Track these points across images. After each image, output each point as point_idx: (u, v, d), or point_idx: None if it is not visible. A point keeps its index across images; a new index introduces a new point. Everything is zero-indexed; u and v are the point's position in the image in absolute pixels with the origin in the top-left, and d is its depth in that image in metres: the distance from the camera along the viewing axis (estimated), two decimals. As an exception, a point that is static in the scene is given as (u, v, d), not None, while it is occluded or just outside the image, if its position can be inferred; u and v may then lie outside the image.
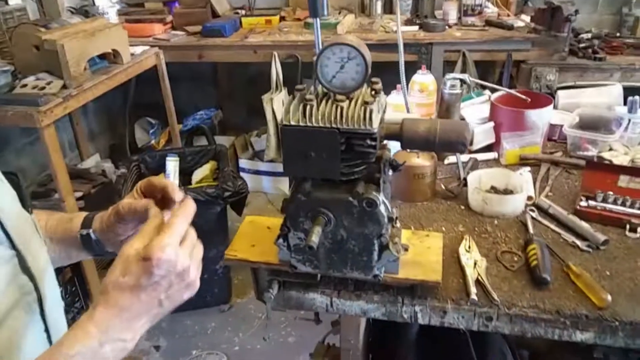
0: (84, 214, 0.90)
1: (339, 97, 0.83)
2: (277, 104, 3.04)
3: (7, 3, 2.54)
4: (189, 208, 0.70)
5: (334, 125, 0.81)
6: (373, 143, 0.82)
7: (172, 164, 2.55)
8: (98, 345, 0.61)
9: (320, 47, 0.92)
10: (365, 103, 0.81)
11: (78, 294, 2.34)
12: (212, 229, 2.33)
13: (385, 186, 0.91)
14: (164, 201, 0.80)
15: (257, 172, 3.46)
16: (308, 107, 0.82)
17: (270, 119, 3.09)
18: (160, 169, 2.57)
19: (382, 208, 0.87)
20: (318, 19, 0.96)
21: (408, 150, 1.26)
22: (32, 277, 0.73)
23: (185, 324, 2.46)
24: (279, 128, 3.12)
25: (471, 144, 0.82)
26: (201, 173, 2.61)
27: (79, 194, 2.57)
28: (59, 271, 0.82)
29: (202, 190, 2.23)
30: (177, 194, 0.76)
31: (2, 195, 0.74)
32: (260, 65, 3.29)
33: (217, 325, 2.47)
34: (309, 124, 0.82)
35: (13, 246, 0.70)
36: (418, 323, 1.04)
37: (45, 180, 2.71)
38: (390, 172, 0.94)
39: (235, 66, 3.67)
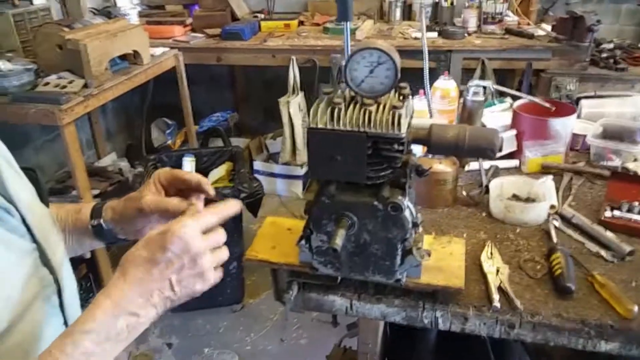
0: (91, 204, 0.92)
1: (366, 101, 0.84)
2: (294, 107, 3.05)
3: (31, 3, 2.59)
4: (230, 207, 0.72)
5: (361, 129, 0.82)
6: (401, 148, 0.82)
7: (189, 164, 2.57)
8: (112, 317, 0.62)
9: (349, 51, 0.92)
10: (394, 107, 0.81)
11: (92, 290, 2.36)
12: (227, 230, 2.32)
13: (410, 191, 0.90)
14: (188, 195, 0.82)
15: (272, 175, 3.48)
16: (336, 111, 0.82)
17: (286, 122, 3.10)
18: (177, 168, 2.59)
19: (407, 213, 0.87)
20: (349, 23, 0.96)
21: (430, 155, 1.26)
22: (52, 270, 0.74)
23: (197, 322, 2.47)
24: (294, 131, 3.15)
25: (500, 150, 0.82)
26: (217, 174, 2.63)
27: (96, 192, 2.60)
28: (74, 267, 0.83)
29: (218, 191, 2.24)
30: (211, 189, 0.79)
31: (22, 190, 0.75)
32: (276, 69, 3.31)
33: (229, 324, 2.48)
34: (336, 127, 0.82)
35: (34, 240, 0.72)
36: (437, 328, 1.03)
37: (64, 177, 2.75)
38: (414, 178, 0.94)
39: (252, 69, 3.70)
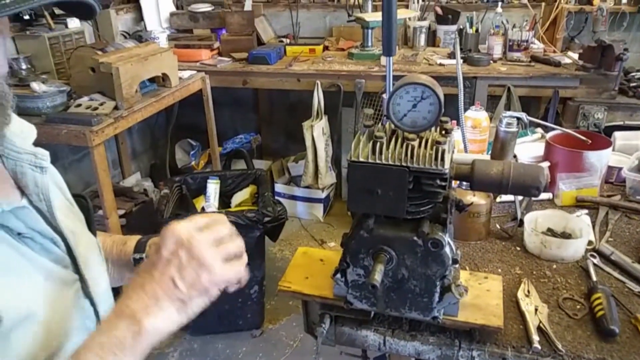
0: (137, 237, 0.92)
1: (408, 135, 0.83)
2: (317, 131, 3.07)
3: (66, 26, 2.66)
4: (218, 215, 0.71)
5: (404, 164, 0.81)
6: (443, 183, 0.81)
7: (213, 187, 2.58)
8: (114, 326, 0.61)
9: (392, 84, 0.92)
10: (437, 143, 0.80)
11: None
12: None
13: (449, 227, 0.89)
14: None
15: (293, 197, 3.48)
16: (378, 145, 0.81)
17: (310, 145, 3.11)
18: (201, 190, 2.60)
19: (447, 249, 0.85)
20: (391, 58, 0.96)
21: (463, 187, 1.25)
22: (92, 302, 0.74)
23: (217, 347, 2.45)
24: (317, 155, 3.15)
25: (545, 188, 0.80)
26: (241, 197, 2.63)
27: (121, 212, 2.62)
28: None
29: (242, 214, 2.24)
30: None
31: (71, 219, 0.76)
32: (299, 93, 3.34)
33: (248, 350, 2.45)
34: (378, 161, 0.82)
35: (77, 271, 0.72)
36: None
37: (90, 196, 2.78)
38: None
39: (275, 92, 3.74)
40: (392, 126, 0.87)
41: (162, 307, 0.62)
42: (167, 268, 0.63)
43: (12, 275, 0.61)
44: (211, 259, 0.64)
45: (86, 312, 0.73)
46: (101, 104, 2.22)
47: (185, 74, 2.80)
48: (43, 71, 2.44)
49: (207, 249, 0.64)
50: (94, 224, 0.82)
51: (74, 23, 2.69)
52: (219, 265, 0.64)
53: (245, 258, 0.70)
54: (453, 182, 1.22)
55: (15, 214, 0.63)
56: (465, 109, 1.52)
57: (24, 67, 2.27)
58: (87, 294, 0.73)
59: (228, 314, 2.42)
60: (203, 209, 2.53)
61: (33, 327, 0.62)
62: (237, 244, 0.68)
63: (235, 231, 0.69)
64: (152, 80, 2.53)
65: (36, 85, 2.15)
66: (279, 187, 3.51)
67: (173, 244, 0.63)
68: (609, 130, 1.71)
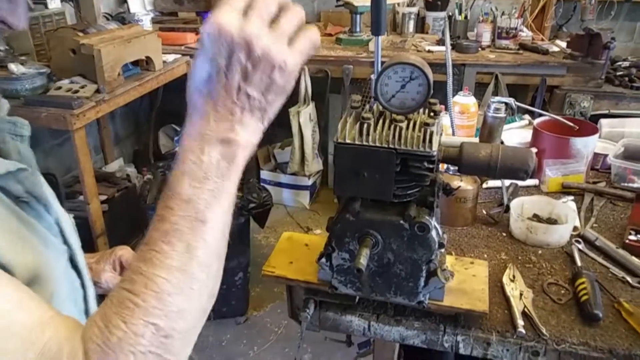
0: None
1: (396, 117, 0.81)
2: (304, 117, 3.04)
3: (46, 7, 2.58)
4: None
5: (391, 146, 0.79)
6: (431, 166, 0.79)
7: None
8: (200, 153, 0.52)
9: (380, 65, 0.90)
10: (426, 124, 0.78)
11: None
12: (234, 240, 2.28)
13: (436, 210, 0.88)
14: None
15: (279, 184, 3.45)
16: (365, 126, 0.79)
17: (296, 132, 3.08)
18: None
19: (433, 233, 0.84)
20: (379, 38, 0.93)
21: (450, 172, 1.24)
22: (79, 274, 0.72)
23: (200, 334, 2.39)
24: (304, 141, 3.13)
25: (534, 172, 0.79)
26: (226, 183, 2.60)
27: (103, 197, 2.57)
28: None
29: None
30: None
31: (49, 193, 0.74)
32: (287, 78, 3.28)
33: (232, 337, 2.44)
34: (365, 143, 0.80)
35: (64, 241, 0.70)
36: (453, 352, 1.00)
37: (71, 181, 2.73)
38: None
39: (262, 78, 3.68)
40: (380, 108, 0.85)
41: (244, 122, 0.53)
42: (230, 81, 0.52)
43: (17, 238, 0.59)
44: (277, 52, 0.51)
45: (74, 283, 0.71)
46: (82, 87, 2.16)
47: (170, 57, 2.74)
48: (22, 52, 2.36)
49: (268, 41, 0.50)
50: (63, 202, 0.80)
51: (54, 3, 2.60)
52: (288, 54, 0.52)
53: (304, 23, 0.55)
54: (440, 166, 1.21)
55: (16, 176, 0.60)
56: (453, 95, 1.51)
57: (1, 48, 2.19)
58: (75, 265, 0.72)
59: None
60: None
61: (40, 290, 0.59)
62: (295, 12, 0.53)
63: None
64: (135, 63, 2.47)
65: (14, 67, 2.09)
66: (265, 174, 3.48)
67: (225, 49, 0.50)
68: (595, 119, 1.71)
